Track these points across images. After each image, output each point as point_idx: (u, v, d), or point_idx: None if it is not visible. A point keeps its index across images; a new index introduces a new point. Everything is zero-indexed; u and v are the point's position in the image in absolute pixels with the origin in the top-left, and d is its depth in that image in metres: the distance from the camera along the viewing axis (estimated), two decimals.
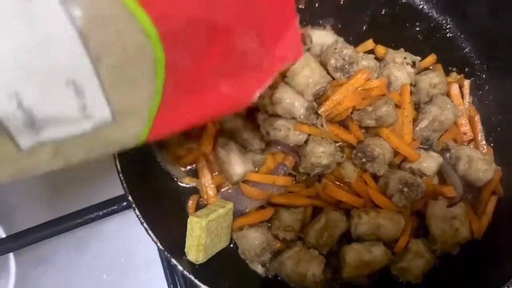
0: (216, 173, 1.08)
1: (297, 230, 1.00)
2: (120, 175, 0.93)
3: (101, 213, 1.08)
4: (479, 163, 0.99)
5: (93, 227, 1.18)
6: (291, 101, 1.00)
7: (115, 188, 1.10)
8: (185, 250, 0.92)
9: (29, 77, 0.34)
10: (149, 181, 1.06)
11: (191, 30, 0.43)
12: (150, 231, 0.89)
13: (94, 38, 0.35)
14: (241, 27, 0.49)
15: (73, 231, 1.12)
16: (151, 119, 0.45)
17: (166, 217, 1.00)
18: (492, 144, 1.09)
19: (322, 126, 1.02)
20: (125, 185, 0.92)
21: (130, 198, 0.91)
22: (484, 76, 1.16)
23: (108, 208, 1.09)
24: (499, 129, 1.10)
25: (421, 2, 1.22)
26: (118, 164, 0.93)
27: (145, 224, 0.89)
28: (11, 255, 1.17)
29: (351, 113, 1.03)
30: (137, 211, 0.90)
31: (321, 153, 0.99)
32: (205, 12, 0.43)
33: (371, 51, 1.16)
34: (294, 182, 1.04)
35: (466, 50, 1.19)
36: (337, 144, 1.04)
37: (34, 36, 0.34)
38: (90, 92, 0.38)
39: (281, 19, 0.56)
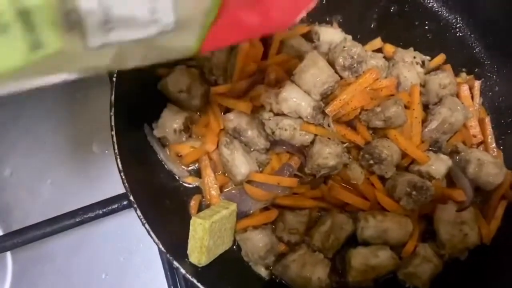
0: (220, 172, 1.06)
1: (302, 233, 0.98)
2: (122, 174, 0.90)
3: (101, 212, 1.05)
4: (490, 166, 0.97)
5: (93, 225, 1.15)
6: (298, 100, 0.97)
7: (116, 185, 1.08)
8: (188, 252, 0.90)
9: None
10: (151, 180, 1.03)
11: None
12: (151, 233, 0.86)
13: None
14: None
15: (67, 232, 1.10)
16: (205, 33, 0.47)
17: (168, 218, 0.97)
18: (501, 147, 1.07)
19: (329, 126, 1.00)
20: (126, 184, 0.90)
21: (131, 198, 0.88)
22: (494, 77, 1.13)
23: (108, 207, 1.06)
24: (509, 131, 1.08)
25: (431, 0, 1.19)
26: (119, 162, 0.91)
27: (146, 226, 0.87)
28: (8, 253, 1.14)
29: (359, 113, 1.01)
30: (138, 211, 0.88)
31: (328, 154, 0.96)
32: None
33: (379, 50, 1.13)
34: (299, 183, 1.01)
35: (476, 50, 1.16)
36: (344, 145, 1.02)
37: None
38: None
39: None
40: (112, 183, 1.15)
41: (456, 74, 1.12)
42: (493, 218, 0.98)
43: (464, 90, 1.07)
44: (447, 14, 1.19)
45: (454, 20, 1.18)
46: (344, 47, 1.01)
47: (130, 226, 1.18)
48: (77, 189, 1.21)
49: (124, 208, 1.07)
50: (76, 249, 1.16)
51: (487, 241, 0.97)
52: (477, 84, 1.08)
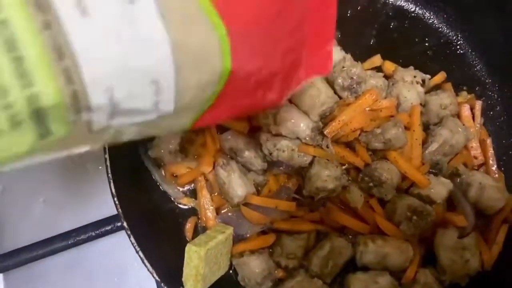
0: (216, 193, 1.04)
1: (299, 257, 0.96)
2: (115, 199, 0.88)
3: (94, 233, 1.04)
4: (491, 190, 0.95)
5: (86, 246, 1.13)
6: (296, 121, 0.95)
7: (110, 204, 1.05)
8: (183, 279, 0.88)
9: (124, 74, 0.39)
10: (145, 202, 1.01)
11: (258, 30, 0.49)
12: (146, 261, 0.84)
13: (179, 41, 0.41)
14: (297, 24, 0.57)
15: (60, 253, 1.08)
16: (200, 114, 0.51)
17: (162, 242, 0.95)
18: (503, 168, 1.05)
19: (327, 147, 0.98)
20: (120, 210, 0.88)
21: (125, 225, 0.86)
22: (495, 96, 1.11)
23: (102, 228, 1.04)
24: (510, 152, 1.06)
25: (432, 16, 1.18)
26: (112, 187, 0.89)
27: (140, 253, 0.85)
28: (0, 275, 1.12)
29: (359, 135, 0.99)
30: (132, 239, 0.86)
31: (326, 177, 0.94)
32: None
33: (378, 68, 1.11)
34: (297, 205, 0.99)
35: (477, 68, 1.14)
36: (343, 167, 1.00)
37: (134, 37, 0.38)
38: (166, 92, 0.43)
39: (321, 33, 0.64)
40: (106, 202, 1.12)
41: (457, 92, 1.10)
42: (494, 243, 0.96)
43: (465, 110, 1.05)
44: (447, 31, 1.17)
45: (454, 37, 1.16)
46: (343, 67, 0.99)
47: (124, 246, 1.13)
48: (70, 208, 1.18)
49: (117, 230, 1.05)
50: (69, 270, 1.13)
51: (488, 266, 0.95)
52: (478, 104, 1.06)
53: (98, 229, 1.03)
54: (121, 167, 0.92)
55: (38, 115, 0.35)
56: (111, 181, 0.89)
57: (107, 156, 0.91)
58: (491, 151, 1.03)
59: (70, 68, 0.35)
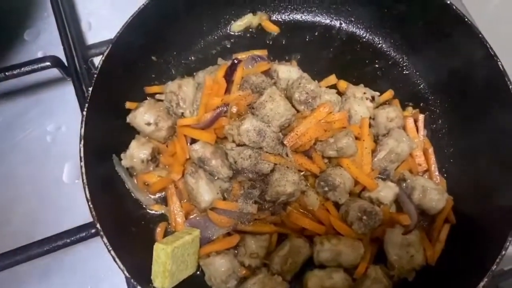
0: (185, 200, 1.11)
1: (262, 257, 1.04)
2: (89, 203, 0.95)
3: (68, 240, 1.08)
4: (433, 193, 1.06)
5: (61, 254, 1.17)
6: (258, 132, 1.05)
7: (85, 214, 1.11)
8: (152, 277, 0.94)
9: None
10: (118, 208, 1.07)
11: None
12: (117, 259, 0.90)
13: None
14: None
15: (37, 261, 1.11)
16: None
17: (134, 244, 1.02)
18: (445, 175, 1.16)
19: (287, 155, 1.08)
20: (93, 213, 0.94)
21: (98, 226, 0.93)
22: (437, 111, 1.24)
23: (76, 235, 1.08)
24: (451, 160, 1.18)
25: (380, 41, 1.32)
26: (87, 192, 0.96)
27: (112, 252, 0.91)
28: None
29: (314, 144, 1.09)
30: (105, 239, 0.92)
31: (286, 182, 1.04)
32: None
33: (333, 86, 1.24)
34: (260, 210, 1.08)
35: (421, 86, 1.28)
36: (301, 173, 1.10)
37: None
38: None
39: None
40: (81, 213, 1.18)
41: (403, 108, 1.23)
42: (437, 240, 1.06)
43: (410, 122, 1.17)
44: (394, 54, 1.31)
45: (400, 59, 1.31)
46: (300, 83, 1.11)
47: (98, 254, 1.20)
48: (47, 219, 1.23)
49: (91, 236, 1.10)
50: (44, 278, 1.17)
51: (432, 261, 1.04)
52: (421, 117, 1.19)
53: (73, 236, 1.08)
54: (95, 176, 0.99)
55: None
56: (86, 186, 0.96)
57: (82, 163, 0.98)
58: (433, 159, 1.15)
59: None
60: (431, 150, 1.16)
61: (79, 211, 1.22)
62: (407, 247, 1.01)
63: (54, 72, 1.38)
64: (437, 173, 1.14)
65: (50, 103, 1.40)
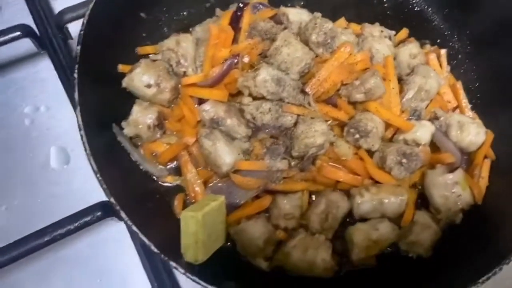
0: (201, 167, 0.99)
1: (297, 217, 0.94)
2: (98, 175, 0.81)
3: (72, 226, 0.94)
4: (471, 127, 0.99)
5: (62, 247, 1.03)
6: (277, 81, 0.94)
7: (79, 202, 0.97)
8: (182, 251, 0.81)
9: None
10: (127, 184, 0.93)
11: None
12: (141, 234, 0.77)
13: None
14: None
15: (38, 256, 0.97)
16: None
17: (153, 220, 0.89)
18: (474, 111, 1.09)
19: (310, 105, 0.97)
20: (104, 186, 0.80)
21: (112, 199, 0.79)
22: (456, 46, 1.17)
23: (81, 220, 0.94)
24: (478, 95, 1.11)
25: None
26: (93, 162, 0.81)
27: (134, 227, 0.78)
28: None
29: (339, 89, 0.99)
30: (122, 213, 0.79)
31: (314, 132, 0.93)
32: None
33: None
34: (288, 167, 0.97)
35: (436, 22, 1.20)
36: (327, 123, 0.99)
37: None
38: None
39: None
40: (77, 199, 1.04)
41: (421, 46, 1.14)
42: (480, 177, 0.99)
43: (433, 58, 1.09)
44: None
45: None
46: (315, 24, 1.00)
47: (103, 243, 1.06)
48: (36, 211, 1.08)
49: (98, 219, 0.96)
50: (45, 276, 1.02)
51: (479, 199, 0.97)
52: (443, 52, 1.11)
53: (77, 221, 0.94)
54: (95, 148, 0.85)
55: None
56: (91, 157, 0.82)
57: (82, 132, 0.84)
58: (462, 93, 1.07)
59: None
60: (459, 85, 1.08)
61: (74, 197, 1.08)
62: (453, 186, 0.93)
63: (26, 47, 1.22)
64: (469, 107, 1.06)
65: (24, 82, 1.23)
